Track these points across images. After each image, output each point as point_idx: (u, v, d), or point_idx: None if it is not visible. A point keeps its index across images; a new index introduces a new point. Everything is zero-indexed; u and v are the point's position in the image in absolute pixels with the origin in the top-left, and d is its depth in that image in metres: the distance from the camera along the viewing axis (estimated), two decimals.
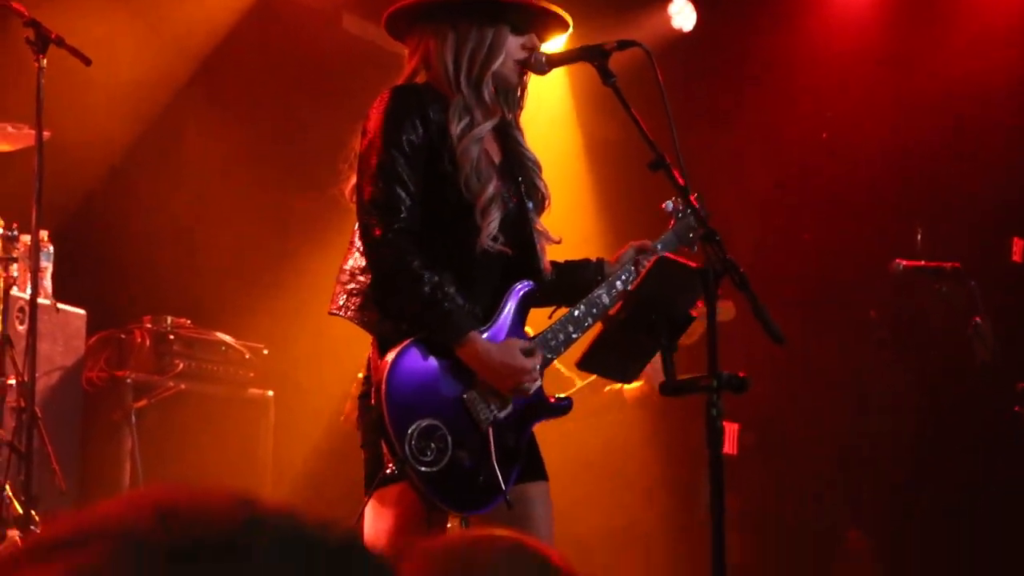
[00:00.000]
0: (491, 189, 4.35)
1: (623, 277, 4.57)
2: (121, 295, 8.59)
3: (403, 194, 4.24)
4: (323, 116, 8.82)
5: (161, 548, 1.15)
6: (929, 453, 9.68)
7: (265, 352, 8.44)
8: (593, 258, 4.76)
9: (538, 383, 4.37)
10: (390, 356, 4.18)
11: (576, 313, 4.48)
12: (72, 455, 7.32)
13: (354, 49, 9.67)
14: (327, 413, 8.62)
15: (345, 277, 4.39)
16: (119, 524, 1.18)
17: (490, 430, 4.27)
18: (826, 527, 10.06)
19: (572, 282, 4.63)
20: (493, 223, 4.34)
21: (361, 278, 4.35)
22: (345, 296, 4.37)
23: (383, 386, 4.14)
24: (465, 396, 4.27)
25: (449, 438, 4.17)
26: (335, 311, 4.39)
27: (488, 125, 4.44)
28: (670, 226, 4.73)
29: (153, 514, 1.18)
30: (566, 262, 4.79)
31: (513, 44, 4.44)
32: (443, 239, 4.33)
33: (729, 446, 8.59)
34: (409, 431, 4.12)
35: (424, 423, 4.15)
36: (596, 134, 10.02)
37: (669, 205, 4.73)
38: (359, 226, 4.33)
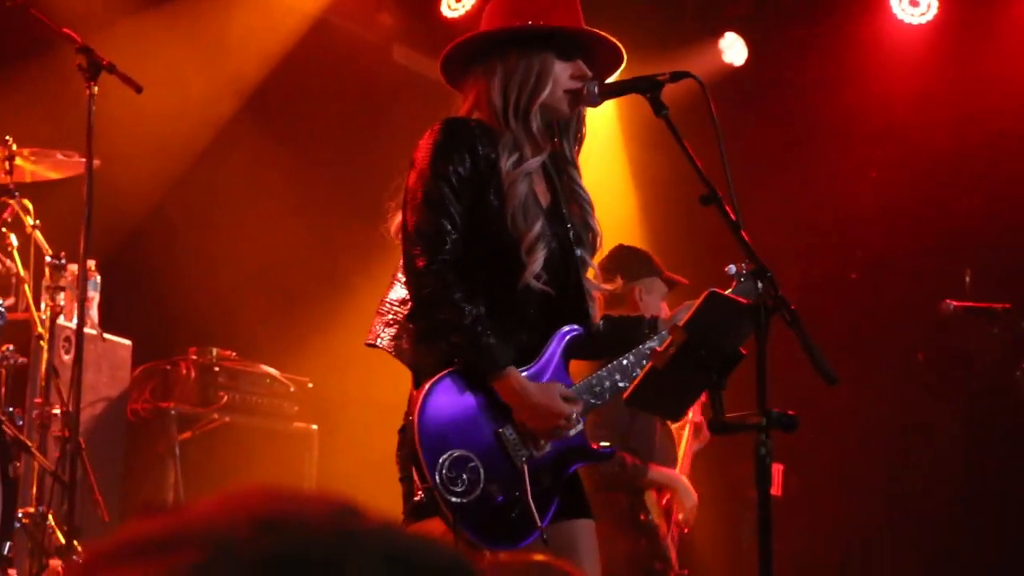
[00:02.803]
0: (537, 228, 4.32)
1: None
2: (167, 326, 8.59)
3: (448, 226, 4.22)
4: (373, 147, 8.82)
5: (255, 559, 1.14)
6: (977, 498, 9.57)
7: (310, 385, 8.42)
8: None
9: (579, 428, 4.33)
10: (426, 385, 4.17)
11: (624, 362, 4.42)
12: (115, 486, 7.32)
13: (403, 80, 9.68)
14: (372, 447, 8.57)
15: (384, 308, 4.38)
16: (213, 530, 1.17)
17: (525, 467, 4.23)
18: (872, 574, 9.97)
19: (623, 338, 4.54)
20: (538, 261, 4.30)
21: (399, 309, 4.34)
22: (382, 327, 4.36)
23: (416, 413, 4.12)
24: (501, 431, 4.23)
25: (482, 471, 4.14)
26: (371, 341, 4.38)
27: (537, 161, 4.41)
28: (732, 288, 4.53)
29: (249, 522, 1.16)
30: (620, 317, 4.76)
31: (561, 72, 4.39)
32: (485, 273, 4.29)
33: (774, 488, 8.50)
34: (440, 460, 4.09)
35: (456, 453, 4.12)
36: (645, 167, 9.95)
37: (732, 268, 4.55)
38: (403, 255, 4.30)
